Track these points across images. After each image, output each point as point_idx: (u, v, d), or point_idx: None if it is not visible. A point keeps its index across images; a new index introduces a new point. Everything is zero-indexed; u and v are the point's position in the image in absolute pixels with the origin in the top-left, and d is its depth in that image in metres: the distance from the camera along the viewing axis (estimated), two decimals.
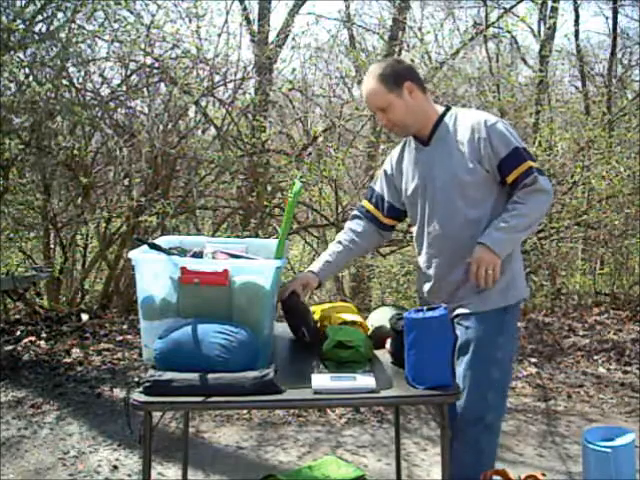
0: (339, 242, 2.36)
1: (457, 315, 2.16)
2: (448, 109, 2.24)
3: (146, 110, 5.55)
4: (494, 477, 1.88)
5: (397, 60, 2.38)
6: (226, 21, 5.86)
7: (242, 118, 5.81)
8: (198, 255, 2.12)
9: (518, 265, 2.23)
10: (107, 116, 5.49)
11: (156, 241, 2.16)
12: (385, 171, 2.37)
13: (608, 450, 1.72)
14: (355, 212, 2.43)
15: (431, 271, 2.22)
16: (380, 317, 2.23)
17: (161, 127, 5.35)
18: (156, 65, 5.48)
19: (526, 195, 2.09)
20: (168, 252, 2.02)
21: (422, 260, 2.26)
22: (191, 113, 5.94)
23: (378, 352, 2.07)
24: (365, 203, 2.40)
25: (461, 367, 2.12)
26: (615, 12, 9.21)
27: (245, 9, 6.58)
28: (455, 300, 2.16)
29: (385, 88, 2.14)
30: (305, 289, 2.24)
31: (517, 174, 2.10)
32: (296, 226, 5.67)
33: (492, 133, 2.11)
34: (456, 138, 2.15)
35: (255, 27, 6.51)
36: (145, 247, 2.03)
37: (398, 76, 2.16)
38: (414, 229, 2.30)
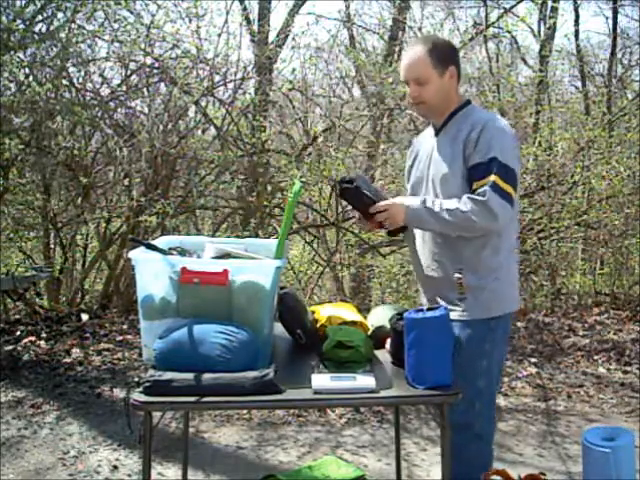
0: None
1: None
2: (467, 103, 2.20)
3: (146, 110, 5.55)
4: (494, 477, 1.88)
5: (449, 42, 2.32)
6: (226, 21, 5.87)
7: (242, 118, 5.81)
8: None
9: (507, 275, 2.14)
10: (107, 116, 5.49)
11: (156, 241, 2.16)
12: (411, 151, 2.37)
13: (608, 450, 1.72)
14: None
15: (416, 270, 2.25)
16: (380, 317, 2.23)
17: (161, 127, 5.36)
18: (156, 65, 5.48)
19: (473, 203, 1.99)
20: (165, 252, 2.02)
21: (411, 258, 2.29)
22: (191, 113, 5.94)
23: (378, 352, 2.07)
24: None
25: None
26: (615, 12, 9.22)
27: (245, 9, 6.58)
28: (437, 303, 2.11)
29: (432, 62, 2.11)
30: None
31: (478, 185, 2.01)
32: (296, 226, 5.67)
33: (483, 133, 2.04)
34: (458, 135, 2.11)
35: (255, 27, 6.51)
36: (143, 247, 2.03)
37: (448, 56, 2.14)
38: None
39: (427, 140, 2.27)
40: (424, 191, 2.20)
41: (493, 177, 1.99)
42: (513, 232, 2.20)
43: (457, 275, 2.09)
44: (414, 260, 2.27)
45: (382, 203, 2.08)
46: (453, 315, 2.05)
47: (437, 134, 2.20)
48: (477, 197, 2.00)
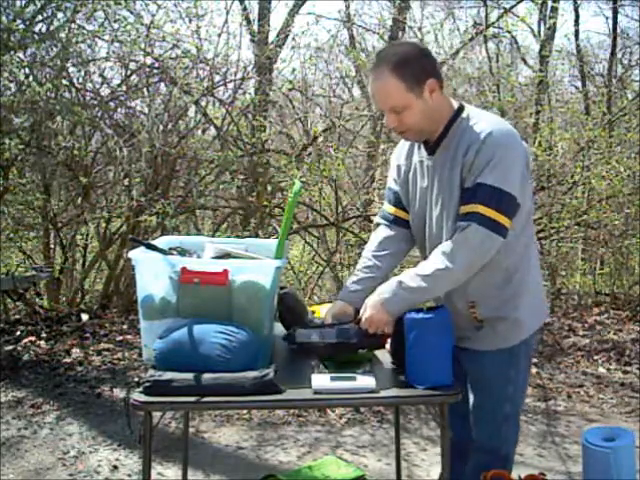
0: (369, 261, 2.06)
1: (461, 348, 1.97)
2: (460, 110, 1.89)
3: (146, 110, 5.55)
4: (494, 478, 1.88)
5: (418, 48, 1.91)
6: (226, 21, 5.86)
7: (242, 118, 5.81)
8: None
9: (528, 298, 1.95)
10: (107, 116, 5.49)
11: (156, 241, 2.16)
12: (398, 166, 2.07)
13: (608, 450, 1.72)
14: (378, 220, 2.13)
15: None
16: None
17: (161, 127, 5.35)
18: (156, 65, 5.47)
19: (455, 246, 1.78)
20: (165, 252, 2.02)
21: None
22: (191, 113, 5.94)
23: (378, 352, 2.07)
24: (387, 207, 2.11)
25: (472, 400, 2.04)
26: (615, 12, 9.22)
27: (245, 9, 6.58)
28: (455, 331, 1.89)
29: (404, 86, 1.78)
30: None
31: (462, 211, 1.80)
32: (296, 226, 5.67)
33: (482, 152, 1.77)
34: (456, 156, 1.84)
35: (255, 27, 6.51)
36: (143, 247, 2.03)
37: (421, 70, 1.80)
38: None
39: (417, 159, 1.97)
40: (428, 232, 1.96)
41: (475, 206, 1.76)
42: (525, 257, 1.96)
43: (471, 310, 1.94)
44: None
45: (362, 313, 1.84)
46: (471, 345, 1.98)
47: (432, 152, 1.91)
48: (449, 240, 1.80)
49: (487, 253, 1.80)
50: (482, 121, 1.84)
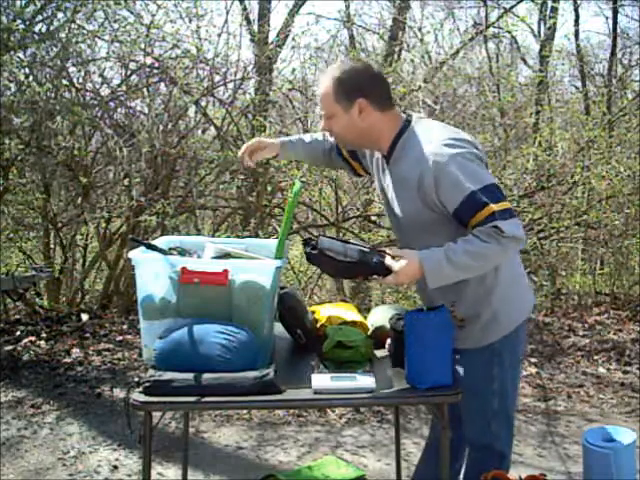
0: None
1: None
2: (407, 124, 1.94)
3: (146, 110, 5.55)
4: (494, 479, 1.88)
5: (362, 67, 1.97)
6: (226, 21, 5.87)
7: (242, 118, 5.81)
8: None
9: (505, 294, 1.99)
10: (107, 116, 5.49)
11: (156, 241, 2.16)
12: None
13: (609, 451, 1.72)
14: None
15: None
16: (380, 317, 2.23)
17: (161, 127, 5.35)
18: (156, 65, 5.47)
19: (489, 236, 1.80)
20: (165, 252, 2.02)
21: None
22: (191, 113, 5.94)
23: (378, 352, 2.07)
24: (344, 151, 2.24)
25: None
26: (615, 12, 9.23)
27: (245, 9, 6.58)
28: None
29: (334, 96, 1.90)
30: (259, 151, 2.24)
31: (476, 221, 1.82)
32: (296, 226, 5.67)
33: (441, 179, 1.81)
34: (408, 177, 1.89)
35: (255, 27, 6.51)
36: (143, 247, 2.03)
37: (353, 88, 1.89)
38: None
39: (377, 163, 2.07)
40: (393, 220, 2.07)
41: (490, 208, 1.80)
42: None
43: (451, 309, 1.93)
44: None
45: (390, 258, 1.82)
46: (456, 345, 1.93)
47: (388, 162, 1.99)
48: (491, 230, 1.80)
49: (524, 235, 1.86)
50: (421, 142, 1.88)
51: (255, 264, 2.02)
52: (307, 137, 2.36)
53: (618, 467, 1.71)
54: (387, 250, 1.85)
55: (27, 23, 4.94)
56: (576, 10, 9.23)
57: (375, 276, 1.84)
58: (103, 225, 5.69)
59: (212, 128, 5.84)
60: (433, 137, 1.88)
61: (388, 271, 1.81)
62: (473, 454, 2.10)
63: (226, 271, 1.87)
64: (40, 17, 5.06)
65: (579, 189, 5.91)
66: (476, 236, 1.81)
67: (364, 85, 1.90)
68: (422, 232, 1.94)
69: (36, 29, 5.06)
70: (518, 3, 6.75)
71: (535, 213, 5.71)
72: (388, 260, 1.81)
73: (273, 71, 6.13)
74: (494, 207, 1.79)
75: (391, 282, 1.83)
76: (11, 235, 5.60)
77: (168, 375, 1.73)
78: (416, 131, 1.92)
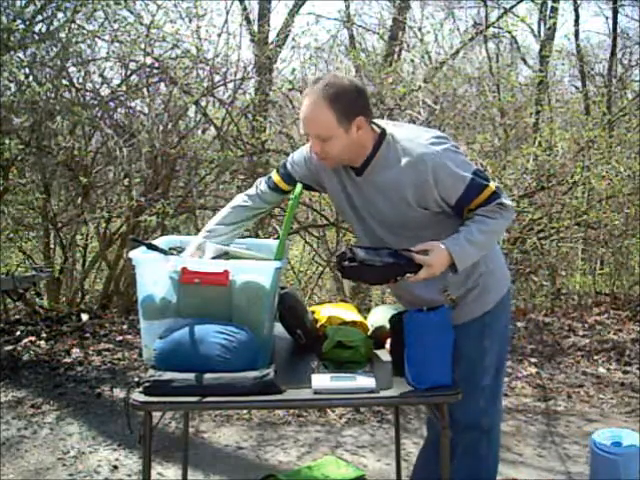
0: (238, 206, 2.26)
1: None
2: (382, 136, 1.95)
3: (146, 110, 5.55)
4: None
5: (355, 85, 1.91)
6: (226, 21, 5.87)
7: (242, 118, 5.81)
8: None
9: (491, 265, 2.07)
10: (107, 116, 5.49)
11: (156, 241, 2.16)
12: (305, 159, 2.13)
13: (617, 457, 1.72)
14: (263, 188, 2.22)
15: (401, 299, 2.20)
16: (380, 317, 2.23)
17: (161, 127, 5.35)
18: (156, 65, 5.47)
19: (494, 213, 1.93)
20: (165, 252, 2.02)
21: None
22: (191, 113, 5.94)
23: (378, 352, 2.07)
24: (275, 177, 2.19)
25: None
26: (615, 12, 9.24)
27: (245, 9, 6.59)
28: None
29: (336, 118, 1.85)
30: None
31: (479, 202, 1.92)
32: (296, 226, 5.67)
33: (440, 175, 1.88)
34: (395, 177, 1.91)
35: (255, 27, 6.51)
36: (143, 247, 2.03)
37: (353, 107, 1.87)
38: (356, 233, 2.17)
39: (337, 173, 2.05)
40: (366, 226, 2.07)
41: (490, 187, 1.91)
42: None
43: (445, 294, 2.02)
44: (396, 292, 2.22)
45: (419, 254, 1.85)
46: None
47: (360, 174, 1.99)
48: (495, 207, 1.92)
49: (512, 203, 1.99)
50: (412, 142, 1.92)
51: (255, 264, 2.02)
52: (224, 215, 2.31)
53: (626, 471, 1.71)
54: (410, 248, 1.88)
55: (27, 23, 4.94)
56: (576, 10, 9.24)
57: (408, 275, 1.87)
58: (103, 225, 5.69)
59: (212, 128, 5.84)
60: (420, 141, 1.92)
61: (418, 267, 1.85)
62: (462, 436, 2.06)
63: (227, 271, 1.87)
64: (40, 17, 5.06)
65: (579, 189, 5.91)
66: (483, 215, 1.91)
67: (358, 103, 1.90)
68: (407, 230, 1.98)
69: (36, 29, 5.06)
70: (518, 3, 6.76)
71: (535, 213, 5.71)
72: (416, 256, 1.85)
73: (273, 71, 6.13)
74: (492, 186, 1.92)
75: (426, 276, 1.87)
76: (11, 235, 5.60)
77: (168, 375, 1.74)
78: (397, 138, 1.94)
